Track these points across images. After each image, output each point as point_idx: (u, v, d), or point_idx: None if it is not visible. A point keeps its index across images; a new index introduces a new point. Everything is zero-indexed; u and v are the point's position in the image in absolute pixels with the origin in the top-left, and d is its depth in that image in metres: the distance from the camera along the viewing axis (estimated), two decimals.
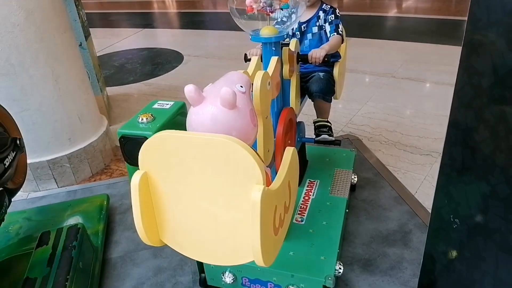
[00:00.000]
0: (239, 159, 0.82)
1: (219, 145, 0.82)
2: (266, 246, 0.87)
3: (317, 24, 1.82)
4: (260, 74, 1.12)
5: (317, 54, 1.60)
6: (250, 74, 1.21)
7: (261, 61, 1.45)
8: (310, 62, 1.62)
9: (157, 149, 0.89)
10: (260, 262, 0.87)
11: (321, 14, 1.82)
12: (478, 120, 0.88)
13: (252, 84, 1.11)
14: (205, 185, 0.88)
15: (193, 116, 0.91)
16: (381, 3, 6.64)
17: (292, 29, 1.69)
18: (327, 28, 1.80)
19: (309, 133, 1.95)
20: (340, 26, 1.81)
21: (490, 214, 0.93)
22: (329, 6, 1.84)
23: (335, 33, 1.78)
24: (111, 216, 2.08)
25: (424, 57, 3.94)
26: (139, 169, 0.92)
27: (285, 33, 1.42)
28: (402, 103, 3.08)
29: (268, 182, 0.94)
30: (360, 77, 3.59)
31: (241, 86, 0.97)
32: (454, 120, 0.93)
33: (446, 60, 3.50)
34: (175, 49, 4.86)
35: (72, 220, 1.89)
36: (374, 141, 2.59)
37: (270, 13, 1.36)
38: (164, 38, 5.86)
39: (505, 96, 0.81)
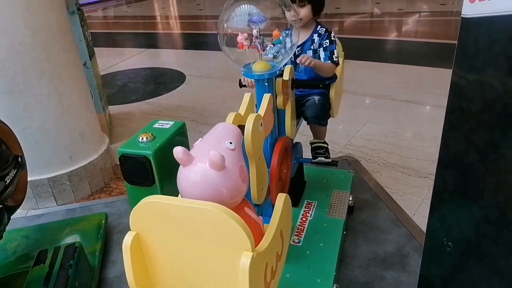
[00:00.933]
0: (227, 227, 0.84)
1: (207, 214, 0.85)
2: None
3: (312, 47, 1.80)
4: (251, 118, 1.12)
5: (306, 60, 1.57)
6: (242, 115, 1.20)
7: (255, 91, 1.43)
8: (297, 62, 1.60)
9: (147, 213, 0.91)
10: None
11: (315, 37, 1.80)
12: (468, 143, 0.90)
13: (244, 126, 1.11)
14: (194, 250, 0.90)
15: (182, 176, 0.93)
16: (380, 26, 6.77)
17: None
18: (321, 54, 1.78)
19: (307, 153, 1.97)
20: (335, 52, 1.78)
21: (481, 237, 0.94)
22: (324, 29, 1.81)
23: (329, 61, 1.77)
24: (109, 235, 2.08)
25: (422, 80, 3.99)
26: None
27: (278, 69, 1.40)
28: (400, 125, 3.10)
29: (259, 232, 0.97)
30: (359, 99, 3.63)
31: (230, 143, 0.98)
32: (445, 143, 0.95)
33: (444, 83, 3.50)
34: (178, 69, 4.93)
35: (70, 239, 1.89)
36: (373, 163, 2.61)
37: (261, 51, 1.34)
38: (167, 58, 5.96)
39: (493, 121, 0.83)
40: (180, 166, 0.93)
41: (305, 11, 1.58)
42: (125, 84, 4.57)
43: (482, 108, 0.85)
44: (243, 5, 1.32)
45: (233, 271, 0.85)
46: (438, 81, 3.76)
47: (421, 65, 4.39)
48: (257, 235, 0.90)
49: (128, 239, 0.92)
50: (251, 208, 1.03)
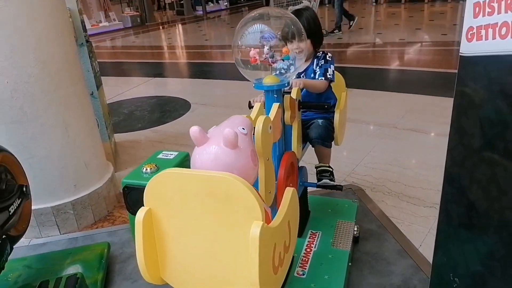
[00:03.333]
0: (240, 195, 0.86)
1: (221, 182, 0.87)
2: (265, 284, 0.87)
3: (313, 71, 1.92)
4: (261, 118, 1.19)
5: (296, 83, 1.68)
6: (252, 119, 1.27)
7: (264, 107, 1.52)
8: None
9: (161, 186, 0.93)
10: None
11: (315, 61, 1.93)
12: (471, 179, 0.90)
13: (254, 128, 1.16)
14: (206, 222, 0.91)
15: (197, 155, 0.96)
16: (383, 56, 6.87)
17: None
18: (317, 71, 1.90)
19: (311, 179, 1.97)
20: (330, 70, 1.89)
21: (488, 274, 0.92)
22: (321, 52, 1.94)
23: (323, 78, 1.87)
24: (111, 265, 2.05)
25: (425, 108, 4.01)
26: None
27: (285, 82, 1.52)
28: (404, 153, 3.10)
29: (268, 220, 0.97)
30: (362, 127, 3.65)
31: (243, 128, 1.04)
32: (449, 178, 0.95)
33: (447, 112, 3.49)
34: (183, 97, 5.01)
35: (72, 269, 1.87)
36: (377, 192, 2.59)
37: (272, 64, 1.47)
38: (173, 86, 6.06)
39: (494, 157, 0.83)
40: (195, 147, 0.96)
41: (304, 45, 1.67)
42: (131, 112, 4.64)
43: (483, 144, 0.85)
44: (256, 24, 1.48)
45: (243, 243, 0.85)
46: (441, 109, 3.78)
47: (423, 94, 4.42)
48: (266, 221, 0.90)
49: (140, 214, 0.94)
50: (260, 197, 1.04)
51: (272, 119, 1.28)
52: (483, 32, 0.79)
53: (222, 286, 0.95)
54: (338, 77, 2.07)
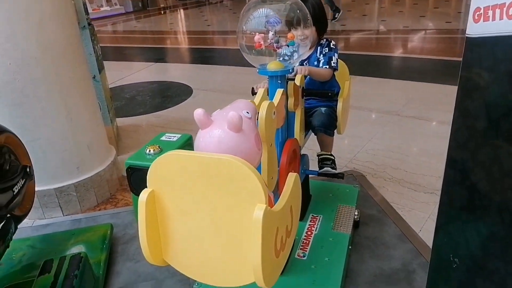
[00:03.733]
0: (243, 178, 0.86)
1: (224, 164, 0.87)
2: (267, 266, 0.88)
3: (317, 58, 1.90)
4: (265, 103, 1.18)
5: (301, 70, 1.66)
6: (256, 104, 1.27)
7: (267, 94, 1.51)
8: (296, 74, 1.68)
9: (165, 167, 0.93)
10: (261, 282, 0.89)
11: (318, 48, 1.91)
12: (474, 161, 0.90)
13: (258, 112, 1.16)
14: (209, 204, 0.92)
15: (201, 138, 0.96)
16: (386, 43, 6.82)
17: None
18: (321, 60, 1.88)
19: (313, 167, 1.98)
20: (334, 58, 1.87)
21: (488, 254, 0.93)
22: (325, 39, 1.92)
23: (327, 66, 1.86)
24: (113, 246, 2.08)
25: (428, 96, 4.00)
26: None
27: (290, 68, 1.50)
28: (406, 141, 3.10)
29: (270, 206, 0.97)
30: (364, 114, 3.65)
31: (247, 112, 1.03)
32: (451, 160, 0.96)
33: (450, 100, 3.51)
34: (185, 83, 4.99)
35: (75, 249, 1.90)
36: (378, 178, 2.60)
37: (276, 49, 1.45)
38: (174, 72, 6.03)
39: (498, 139, 0.84)
40: (199, 130, 0.96)
41: (309, 32, 1.66)
42: (133, 97, 4.63)
43: (487, 126, 0.86)
44: (261, 9, 1.46)
45: (246, 225, 0.86)
46: (444, 97, 3.77)
47: (427, 82, 4.40)
48: (269, 203, 0.91)
49: (144, 195, 0.94)
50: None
51: (276, 105, 1.28)
52: (490, 12, 0.79)
53: (224, 268, 0.95)
54: (342, 65, 2.06)
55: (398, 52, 6.07)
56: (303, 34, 1.64)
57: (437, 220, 1.03)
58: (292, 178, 1.08)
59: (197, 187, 0.91)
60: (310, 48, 1.87)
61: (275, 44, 1.44)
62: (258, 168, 1.13)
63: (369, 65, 5.24)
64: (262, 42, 1.43)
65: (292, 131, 1.64)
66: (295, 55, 1.53)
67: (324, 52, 1.88)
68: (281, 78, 1.49)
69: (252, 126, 1.02)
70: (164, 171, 0.93)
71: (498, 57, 0.80)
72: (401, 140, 3.10)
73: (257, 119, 1.14)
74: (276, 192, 1.39)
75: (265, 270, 0.87)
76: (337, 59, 1.89)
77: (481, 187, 0.90)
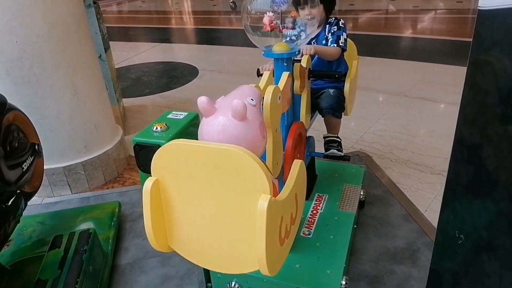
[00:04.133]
0: (248, 169, 0.85)
1: (229, 155, 0.85)
2: (271, 255, 0.88)
3: (325, 37, 1.86)
4: (271, 88, 1.16)
5: (307, 49, 1.61)
6: (261, 88, 1.24)
7: (273, 76, 1.49)
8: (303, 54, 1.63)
9: (169, 156, 0.92)
10: (265, 271, 0.89)
11: (327, 27, 1.86)
12: (482, 137, 0.89)
13: (263, 98, 1.14)
14: (214, 194, 0.91)
15: (205, 126, 0.94)
16: (395, 23, 6.70)
17: None
18: (329, 38, 1.84)
19: (319, 149, 1.97)
20: (342, 37, 1.82)
21: (494, 230, 0.93)
22: (333, 18, 1.88)
23: (335, 44, 1.81)
24: (122, 223, 2.11)
25: (437, 77, 3.95)
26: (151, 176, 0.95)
27: (296, 50, 1.46)
28: (414, 122, 3.08)
29: (275, 193, 0.97)
30: (372, 95, 3.61)
31: (252, 99, 1.01)
32: (459, 137, 0.95)
33: (459, 81, 3.47)
34: (191, 64, 4.97)
35: (84, 226, 1.93)
36: (385, 159, 2.60)
37: (282, 30, 1.41)
38: (180, 52, 6.00)
39: (508, 114, 0.83)
40: (203, 118, 0.95)
41: (317, 11, 1.62)
42: (139, 78, 4.62)
43: (498, 101, 0.84)
44: None
45: (250, 216, 0.86)
46: (453, 78, 3.72)
47: (436, 62, 4.34)
48: (273, 194, 0.90)
49: (148, 184, 0.93)
50: (268, 169, 1.04)
51: (281, 89, 1.25)
52: None
53: (229, 255, 0.96)
54: (350, 44, 2.02)
55: (407, 33, 5.97)
56: (310, 14, 1.60)
57: (443, 196, 1.03)
58: (297, 166, 1.06)
59: (201, 177, 0.90)
60: (318, 27, 1.83)
61: (280, 26, 1.39)
62: (263, 155, 1.12)
63: (378, 46, 5.17)
64: (267, 23, 1.38)
65: (298, 114, 1.60)
66: (302, 35, 1.48)
67: (332, 31, 1.84)
68: (287, 61, 1.45)
69: (257, 114, 0.99)
70: (168, 160, 0.92)
71: (510, 29, 0.78)
72: (409, 121, 3.08)
73: (262, 105, 1.12)
74: (281, 176, 1.38)
75: (269, 259, 0.87)
76: (345, 39, 1.84)
77: (489, 163, 0.90)
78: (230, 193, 0.89)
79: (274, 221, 0.89)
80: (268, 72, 1.37)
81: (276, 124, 1.22)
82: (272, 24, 1.40)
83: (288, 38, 1.46)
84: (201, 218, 0.95)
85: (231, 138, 0.91)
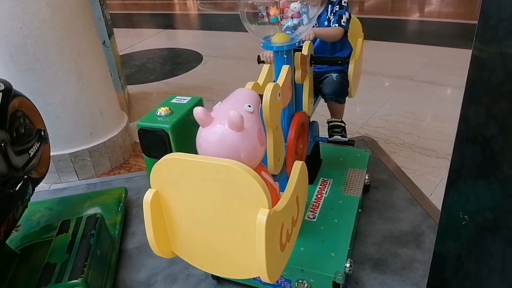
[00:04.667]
0: (245, 183, 0.85)
1: (226, 170, 0.85)
2: (271, 264, 0.89)
3: (327, 17, 1.80)
4: (270, 86, 1.12)
5: (307, 35, 1.56)
6: (260, 85, 1.20)
7: (274, 66, 1.42)
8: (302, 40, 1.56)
9: (168, 170, 0.92)
10: (265, 279, 0.90)
11: (329, 7, 1.80)
12: (487, 116, 0.88)
13: (262, 96, 1.11)
14: (213, 206, 0.91)
15: (202, 137, 0.94)
16: (402, 6, 6.58)
17: None
18: (331, 19, 1.78)
19: (323, 133, 1.96)
20: (344, 17, 1.76)
21: (498, 209, 0.93)
22: None
23: (337, 24, 1.75)
24: (128, 208, 2.14)
25: (444, 61, 3.89)
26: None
27: (297, 41, 1.39)
28: (420, 106, 3.05)
29: (275, 196, 0.97)
30: (378, 80, 3.58)
31: (249, 106, 0.99)
32: (464, 116, 0.94)
33: (467, 65, 3.44)
34: (195, 50, 4.94)
35: (92, 211, 1.95)
36: (390, 143, 2.58)
37: (281, 20, 1.34)
38: (184, 38, 5.96)
39: None
40: (200, 127, 0.94)
41: None
42: (143, 64, 4.61)
43: (504, 79, 0.83)
44: None
45: (249, 228, 0.86)
46: (460, 62, 3.66)
47: (443, 46, 4.27)
48: (273, 199, 0.91)
49: (148, 196, 0.94)
50: (268, 173, 1.04)
51: (281, 85, 1.21)
52: None
53: (231, 263, 0.97)
54: (355, 21, 1.95)
55: (414, 16, 5.87)
56: None
57: (448, 177, 1.02)
58: (298, 167, 1.06)
59: (200, 190, 0.91)
60: (321, 5, 1.76)
61: (279, 15, 1.31)
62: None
63: (384, 29, 5.09)
64: (264, 14, 1.30)
65: (300, 104, 1.56)
66: (305, 19, 1.39)
67: (334, 11, 1.78)
68: (287, 53, 1.38)
69: (255, 121, 0.97)
70: (167, 173, 0.93)
71: None
72: (414, 106, 3.05)
73: (261, 104, 1.09)
74: (283, 169, 1.36)
75: (270, 267, 0.88)
76: (347, 18, 1.78)
77: (494, 143, 0.89)
78: (229, 206, 0.90)
79: (273, 232, 0.90)
80: (267, 66, 1.31)
81: (277, 122, 1.19)
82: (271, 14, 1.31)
83: (286, 28, 1.38)
84: (202, 228, 0.96)
85: (228, 148, 0.90)
